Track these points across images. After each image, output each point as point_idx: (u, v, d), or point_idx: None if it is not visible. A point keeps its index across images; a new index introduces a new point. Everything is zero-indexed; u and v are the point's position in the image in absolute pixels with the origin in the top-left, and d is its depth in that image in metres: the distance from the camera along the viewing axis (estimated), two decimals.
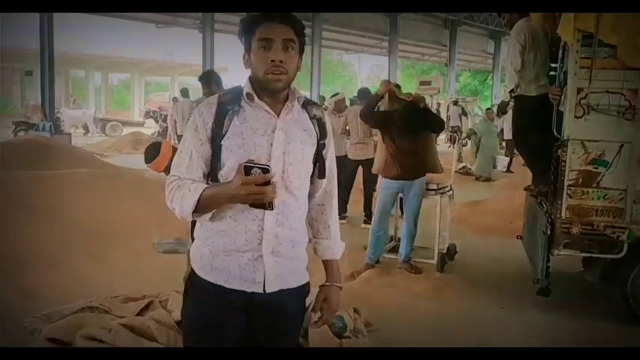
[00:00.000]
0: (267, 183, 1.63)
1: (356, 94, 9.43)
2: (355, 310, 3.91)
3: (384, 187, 5.57)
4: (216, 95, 1.89)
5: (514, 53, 4.93)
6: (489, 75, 37.31)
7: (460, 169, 12.85)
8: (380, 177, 5.72)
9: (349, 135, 7.69)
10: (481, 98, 36.38)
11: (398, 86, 6.05)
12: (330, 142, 1.98)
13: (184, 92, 14.21)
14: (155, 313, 3.48)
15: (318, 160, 1.93)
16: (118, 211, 5.87)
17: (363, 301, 4.22)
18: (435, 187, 5.60)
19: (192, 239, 1.93)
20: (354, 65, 49.82)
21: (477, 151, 13.39)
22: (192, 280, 1.89)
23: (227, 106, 1.82)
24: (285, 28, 1.79)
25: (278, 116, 1.83)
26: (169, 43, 39.60)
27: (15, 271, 4.62)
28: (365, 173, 7.40)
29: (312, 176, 1.92)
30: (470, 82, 44.91)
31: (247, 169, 1.63)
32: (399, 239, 6.07)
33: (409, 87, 15.25)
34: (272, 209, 1.71)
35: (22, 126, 17.72)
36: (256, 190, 1.63)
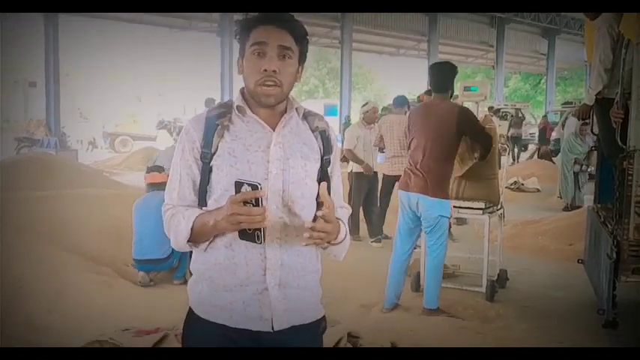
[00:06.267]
0: (257, 204, 1.60)
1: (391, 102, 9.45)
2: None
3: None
4: (205, 110, 1.89)
5: (605, 47, 4.69)
6: (542, 78, 37.01)
7: (511, 184, 12.70)
8: None
9: (383, 148, 7.70)
10: (533, 104, 36.05)
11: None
12: (336, 158, 1.95)
13: (209, 102, 13.94)
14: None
15: (324, 178, 1.89)
16: (129, 235, 5.94)
17: (399, 333, 4.18)
18: (482, 205, 5.50)
19: (191, 273, 1.92)
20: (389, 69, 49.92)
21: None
22: (190, 320, 1.88)
23: (216, 122, 1.82)
24: (283, 33, 1.79)
25: (274, 130, 1.82)
26: (185, 49, 40.24)
27: (16, 299, 4.71)
28: None
29: (317, 197, 1.85)
30: (520, 87, 44.60)
31: (237, 185, 1.63)
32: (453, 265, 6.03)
33: None
34: (261, 242, 1.67)
35: (25, 142, 18.12)
36: (243, 210, 1.60)
